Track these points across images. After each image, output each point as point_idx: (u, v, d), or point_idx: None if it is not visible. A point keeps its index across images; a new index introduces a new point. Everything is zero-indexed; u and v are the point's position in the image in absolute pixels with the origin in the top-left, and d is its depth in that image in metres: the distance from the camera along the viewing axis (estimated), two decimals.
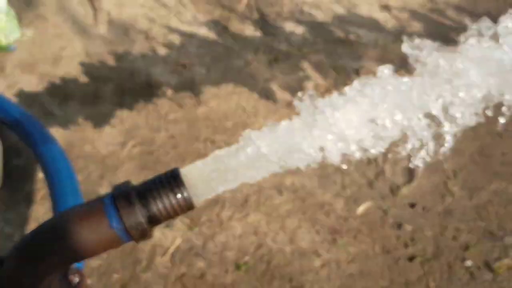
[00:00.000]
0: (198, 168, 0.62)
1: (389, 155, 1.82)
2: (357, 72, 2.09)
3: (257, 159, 0.65)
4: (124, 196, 0.57)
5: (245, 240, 1.50)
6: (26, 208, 1.48)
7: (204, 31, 2.09)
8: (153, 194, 0.59)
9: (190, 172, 0.60)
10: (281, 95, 1.91)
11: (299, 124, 0.57)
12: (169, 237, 1.47)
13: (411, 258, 1.56)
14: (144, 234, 0.61)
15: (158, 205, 0.60)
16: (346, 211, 1.63)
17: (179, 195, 0.58)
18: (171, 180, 0.60)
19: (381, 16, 2.32)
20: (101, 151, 1.64)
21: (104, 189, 1.52)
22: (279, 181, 1.67)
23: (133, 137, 1.69)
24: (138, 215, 0.58)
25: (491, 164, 1.85)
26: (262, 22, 2.17)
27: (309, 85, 2.00)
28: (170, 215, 0.62)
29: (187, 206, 0.59)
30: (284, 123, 0.63)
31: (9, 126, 1.49)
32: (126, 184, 0.58)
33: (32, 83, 1.76)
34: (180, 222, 1.50)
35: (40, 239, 0.65)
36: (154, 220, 0.58)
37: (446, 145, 0.53)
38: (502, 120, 0.56)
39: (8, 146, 1.58)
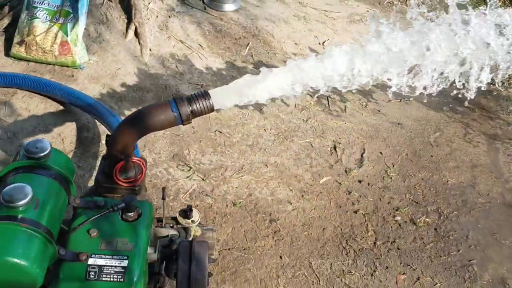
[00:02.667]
0: (219, 90, 1.39)
1: (345, 150, 2.53)
2: (327, 100, 2.86)
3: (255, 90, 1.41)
4: (180, 98, 1.32)
5: (240, 190, 2.17)
6: (92, 160, 2.16)
7: (217, 65, 2.89)
8: (195, 101, 1.36)
9: (214, 92, 1.36)
10: (270, 109, 2.67)
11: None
12: (188, 184, 2.14)
13: (356, 211, 2.21)
14: (188, 120, 1.36)
15: (196, 105, 1.36)
16: (312, 181, 2.31)
17: (207, 102, 1.34)
18: (204, 94, 1.37)
19: None
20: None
21: (145, 153, 2.22)
22: (266, 160, 2.37)
23: None
24: (187, 108, 1.34)
25: (421, 161, 2.55)
26: (258, 63, 2.98)
27: (291, 106, 2.75)
28: (202, 112, 1.38)
29: (211, 109, 1.35)
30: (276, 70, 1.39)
31: (85, 110, 2.25)
32: (181, 95, 1.34)
33: (96, 90, 2.51)
34: (195, 175, 2.18)
35: (134, 117, 1.38)
36: (194, 113, 1.34)
37: None
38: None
39: (82, 124, 2.30)
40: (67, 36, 2.59)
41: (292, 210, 2.14)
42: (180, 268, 1.27)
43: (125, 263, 1.18)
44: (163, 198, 1.42)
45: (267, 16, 3.39)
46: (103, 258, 1.18)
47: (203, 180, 2.18)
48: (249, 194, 2.17)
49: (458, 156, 2.61)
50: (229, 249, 1.91)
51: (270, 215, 2.09)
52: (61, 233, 1.23)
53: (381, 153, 2.56)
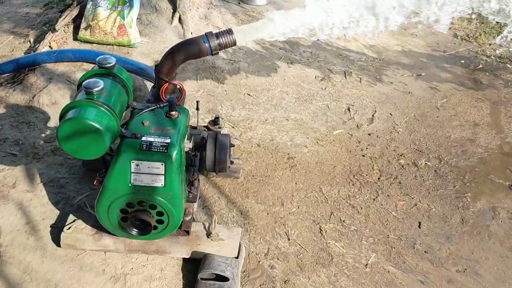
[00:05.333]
0: (240, 29, 1.84)
1: (358, 111, 2.88)
2: (344, 74, 3.23)
3: (269, 28, 1.85)
4: (210, 33, 1.77)
5: (263, 136, 2.57)
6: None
7: (248, 46, 3.34)
8: (221, 35, 1.81)
9: (236, 30, 1.80)
10: (292, 79, 3.07)
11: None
12: (224, 130, 2.56)
13: (364, 155, 2.55)
14: (216, 50, 1.80)
15: (223, 39, 1.81)
16: (327, 132, 2.68)
17: (232, 37, 1.78)
18: (228, 31, 1.81)
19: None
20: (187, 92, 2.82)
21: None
22: (287, 115, 2.76)
23: (203, 88, 2.87)
24: (216, 41, 1.79)
25: (427, 120, 2.87)
26: (283, 43, 3.41)
27: (312, 77, 3.15)
28: (228, 45, 1.83)
29: (234, 42, 1.80)
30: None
31: (137, 73, 2.73)
32: (210, 33, 1.77)
33: (147, 63, 3.00)
34: (226, 124, 2.60)
35: (175, 48, 1.82)
36: (221, 45, 1.78)
37: None
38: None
39: (136, 86, 2.79)
40: (124, 20, 3.13)
41: (308, 152, 2.51)
42: (208, 149, 1.68)
43: (168, 140, 1.60)
44: (197, 109, 1.85)
45: (292, 7, 3.83)
46: (152, 137, 1.61)
47: (233, 127, 2.60)
48: (271, 139, 2.56)
49: (462, 117, 2.91)
50: (252, 175, 2.30)
51: (288, 154, 2.47)
52: (122, 126, 1.68)
53: (391, 114, 2.90)
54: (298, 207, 2.16)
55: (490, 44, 3.72)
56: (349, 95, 3.02)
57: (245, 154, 2.43)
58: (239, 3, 3.86)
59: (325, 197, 2.24)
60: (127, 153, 1.58)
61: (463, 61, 3.56)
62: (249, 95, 2.88)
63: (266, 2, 3.95)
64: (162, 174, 1.58)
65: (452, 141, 2.70)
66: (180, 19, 3.36)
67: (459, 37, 3.88)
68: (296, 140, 2.59)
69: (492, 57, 3.62)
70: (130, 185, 1.59)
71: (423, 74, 3.34)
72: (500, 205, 2.29)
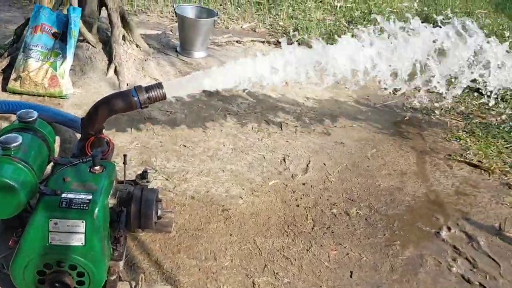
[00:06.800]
0: (170, 84, 1.88)
1: (293, 161, 2.94)
2: (280, 125, 3.32)
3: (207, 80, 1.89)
4: (139, 88, 1.79)
5: (198, 188, 2.55)
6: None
7: (185, 98, 3.37)
8: (151, 89, 1.84)
9: (166, 84, 1.83)
10: (229, 130, 3.11)
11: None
12: (153, 182, 2.51)
13: (298, 205, 2.58)
14: (146, 105, 1.81)
15: (152, 93, 1.84)
16: (262, 183, 2.70)
17: (161, 91, 1.81)
18: (158, 85, 1.84)
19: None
20: (117, 144, 2.76)
21: (118, 160, 2.61)
22: (223, 167, 2.76)
23: (137, 139, 2.83)
24: (145, 95, 1.81)
25: (358, 169, 2.97)
26: (219, 97, 3.48)
27: (249, 128, 3.21)
28: (158, 99, 1.85)
29: (163, 96, 1.82)
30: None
31: (67, 125, 2.67)
32: (139, 86, 1.79)
33: (78, 114, 2.94)
34: (160, 176, 2.56)
35: (103, 101, 1.82)
36: (151, 99, 1.80)
37: None
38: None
39: (66, 138, 2.71)
40: (56, 71, 3.07)
41: (243, 203, 2.51)
42: (132, 205, 1.64)
43: (89, 197, 1.55)
44: (124, 163, 1.81)
45: (231, 60, 3.94)
46: (73, 194, 1.55)
47: (167, 179, 2.56)
48: (206, 191, 2.54)
49: (390, 166, 3.04)
50: (185, 229, 2.25)
51: (223, 205, 2.46)
52: (41, 182, 1.61)
53: (324, 164, 2.98)
54: (232, 261, 2.12)
55: (415, 97, 3.97)
56: (284, 145, 3.09)
57: (178, 207, 2.39)
58: (177, 55, 3.92)
59: (259, 249, 2.22)
60: (45, 211, 1.51)
61: (391, 113, 3.77)
62: (185, 146, 2.88)
63: (205, 55, 4.04)
64: (83, 232, 1.51)
65: (381, 190, 2.80)
66: (116, 71, 3.35)
67: (387, 90, 4.11)
68: (231, 191, 2.58)
69: (418, 109, 3.86)
70: (48, 244, 1.51)
71: (354, 125, 3.49)
72: (427, 252, 2.36)
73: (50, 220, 1.49)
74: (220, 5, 5.48)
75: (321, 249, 2.29)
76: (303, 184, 2.75)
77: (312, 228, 2.42)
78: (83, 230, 1.51)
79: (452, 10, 5.88)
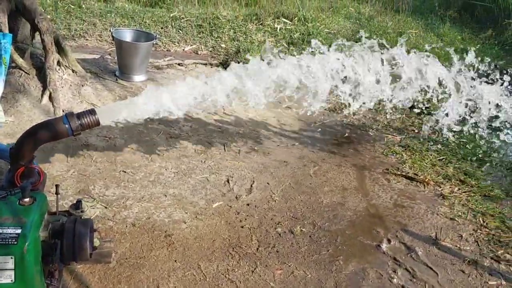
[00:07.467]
0: (104, 108, 1.84)
1: (237, 182, 2.94)
2: (223, 146, 3.32)
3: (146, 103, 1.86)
4: (71, 115, 1.74)
5: (139, 214, 2.49)
6: None
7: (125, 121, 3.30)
8: (83, 116, 1.79)
9: (100, 110, 1.79)
10: (171, 153, 3.08)
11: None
12: (92, 211, 2.43)
13: (242, 226, 2.57)
14: (78, 132, 1.76)
15: (85, 120, 1.79)
16: (206, 205, 2.68)
17: (94, 117, 1.76)
18: (91, 111, 1.80)
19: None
20: (53, 173, 2.65)
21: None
22: (166, 191, 2.72)
23: (74, 167, 2.74)
24: (77, 122, 1.76)
25: (301, 188, 3.01)
26: (158, 120, 3.44)
27: (191, 151, 3.19)
28: (91, 125, 1.80)
29: (97, 122, 1.78)
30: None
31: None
32: (70, 113, 1.74)
33: (11, 144, 2.81)
34: (99, 204, 2.48)
35: (33, 130, 1.76)
36: (84, 126, 1.75)
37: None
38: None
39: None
40: None
41: (186, 227, 2.47)
42: (65, 237, 1.57)
43: (18, 231, 1.47)
44: (57, 193, 1.74)
45: (171, 84, 3.92)
46: (1, 228, 1.47)
47: (106, 208, 2.48)
48: (147, 217, 2.48)
49: (332, 182, 3.11)
50: (126, 258, 2.18)
51: (166, 231, 2.41)
52: None
53: (268, 183, 3.00)
54: None
55: (354, 114, 4.11)
56: (228, 166, 3.09)
57: (118, 235, 2.32)
58: (116, 80, 3.85)
59: (204, 274, 2.19)
60: None
61: (331, 131, 3.87)
62: (125, 172, 2.81)
63: (145, 78, 4.00)
64: (12, 269, 1.43)
65: (324, 206, 2.85)
66: (50, 97, 3.24)
67: (327, 108, 4.24)
68: (174, 216, 2.54)
69: (356, 126, 3.99)
70: None
71: (296, 143, 3.55)
72: (369, 265, 2.42)
73: None
74: (162, 28, 5.47)
75: (266, 269, 2.29)
76: (248, 204, 2.76)
77: (257, 249, 2.42)
78: (12, 266, 1.43)
79: (385, 31, 6.20)
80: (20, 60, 3.29)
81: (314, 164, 3.31)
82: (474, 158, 3.54)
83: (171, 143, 3.23)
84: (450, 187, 3.17)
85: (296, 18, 6.12)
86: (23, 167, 1.76)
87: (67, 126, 1.76)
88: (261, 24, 5.99)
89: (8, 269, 1.43)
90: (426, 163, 3.44)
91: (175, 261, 2.23)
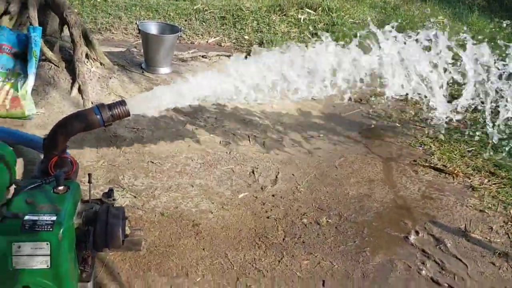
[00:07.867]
0: (134, 99, 1.86)
1: (262, 173, 2.95)
2: (248, 138, 3.33)
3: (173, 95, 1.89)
4: (102, 105, 1.77)
5: (167, 204, 2.52)
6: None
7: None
8: (114, 107, 1.82)
9: (129, 101, 1.82)
10: (197, 145, 3.10)
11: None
12: (121, 201, 2.47)
13: (268, 217, 2.58)
14: (109, 122, 1.79)
15: (115, 111, 1.82)
16: (232, 196, 2.70)
17: (125, 108, 1.79)
18: (121, 102, 1.82)
19: None
20: (84, 163, 2.71)
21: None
22: (192, 181, 2.75)
23: (104, 158, 2.79)
24: (108, 113, 1.79)
25: (326, 179, 3.00)
26: (184, 112, 3.47)
27: (217, 141, 3.21)
28: (121, 116, 1.83)
29: (128, 113, 1.80)
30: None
31: (30, 146, 2.61)
32: (101, 104, 1.77)
33: (43, 135, 2.87)
34: (128, 194, 2.52)
35: (65, 120, 1.79)
36: (114, 116, 1.78)
37: None
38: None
39: (30, 160, 2.64)
40: (17, 92, 3.00)
41: (213, 217, 2.50)
42: (98, 225, 1.61)
43: (53, 218, 1.51)
44: (89, 182, 1.78)
45: (196, 76, 3.94)
46: (36, 215, 1.51)
47: (135, 197, 2.53)
48: (175, 207, 2.52)
49: (358, 174, 3.09)
50: (155, 246, 2.22)
51: (193, 221, 2.44)
52: (2, 205, 1.56)
53: (293, 174, 3.00)
54: (203, 276, 2.10)
55: (380, 105, 4.06)
56: (253, 158, 3.10)
57: (148, 224, 2.36)
58: (142, 72, 3.90)
59: (231, 262, 2.21)
60: (6, 235, 1.46)
61: (357, 122, 3.84)
62: (152, 162, 2.85)
63: (170, 71, 4.03)
64: (48, 255, 1.47)
65: (350, 198, 2.84)
66: (79, 89, 3.30)
67: (352, 99, 4.20)
68: (201, 206, 2.57)
69: (382, 117, 3.94)
70: (11, 269, 1.46)
71: (321, 135, 3.54)
72: (397, 257, 2.40)
73: (13, 244, 1.44)
74: (185, 20, 5.50)
75: (293, 260, 2.29)
76: (273, 195, 2.77)
77: (283, 239, 2.42)
78: (48, 252, 1.47)
79: (411, 20, 6.09)
80: (49, 53, 3.35)
81: (340, 155, 3.29)
82: (506, 149, 3.46)
83: (197, 134, 3.25)
84: (480, 179, 3.11)
85: (320, 8, 6.06)
86: (57, 157, 1.81)
87: (98, 116, 1.79)
88: (284, 15, 5.96)
89: (46, 254, 1.47)
90: (455, 155, 3.38)
91: (203, 249, 2.26)
